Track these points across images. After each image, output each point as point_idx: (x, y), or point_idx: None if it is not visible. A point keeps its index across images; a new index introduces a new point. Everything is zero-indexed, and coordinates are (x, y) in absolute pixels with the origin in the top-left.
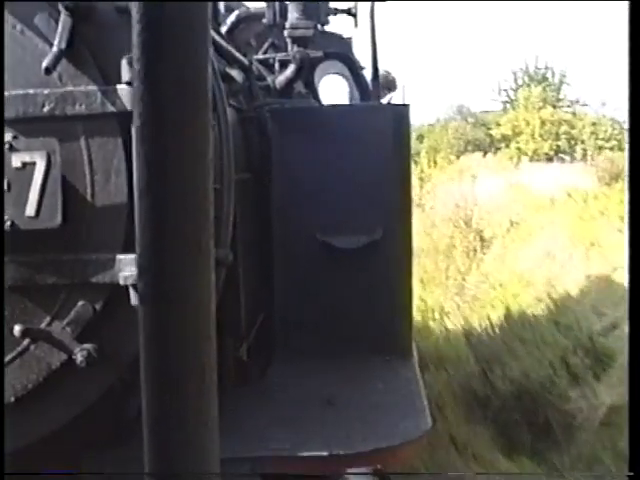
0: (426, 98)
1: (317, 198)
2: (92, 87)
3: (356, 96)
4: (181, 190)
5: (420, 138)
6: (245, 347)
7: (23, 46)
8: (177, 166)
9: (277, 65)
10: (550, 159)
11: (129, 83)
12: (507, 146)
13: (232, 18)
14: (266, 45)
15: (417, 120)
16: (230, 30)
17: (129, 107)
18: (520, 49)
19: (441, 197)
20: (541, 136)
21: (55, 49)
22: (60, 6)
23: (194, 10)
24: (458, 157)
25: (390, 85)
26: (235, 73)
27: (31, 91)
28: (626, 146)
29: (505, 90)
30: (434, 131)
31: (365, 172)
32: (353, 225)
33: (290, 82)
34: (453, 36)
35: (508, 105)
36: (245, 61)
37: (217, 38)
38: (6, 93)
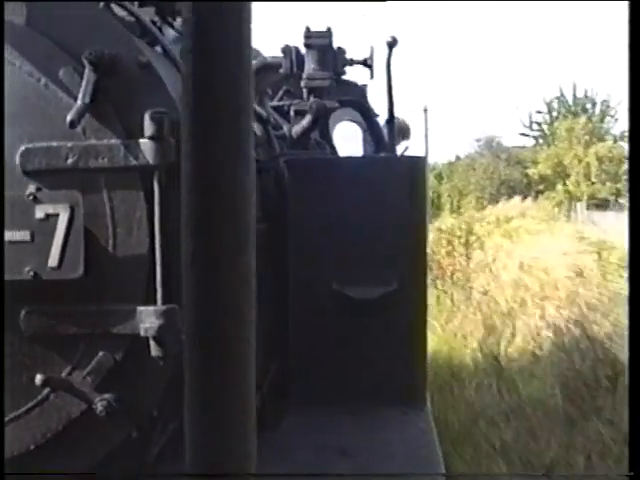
0: (448, 129)
1: (333, 248)
2: (115, 141)
3: (370, 143)
4: (228, 261)
5: (438, 177)
6: (259, 396)
7: (47, 99)
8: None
9: (292, 112)
10: (604, 205)
11: (151, 137)
12: (548, 188)
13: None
14: (281, 92)
15: (436, 156)
16: None
17: (151, 161)
18: (553, 75)
19: (494, 254)
20: (597, 176)
21: (79, 103)
22: (84, 60)
23: (238, 69)
24: (491, 202)
25: (404, 132)
26: (255, 125)
27: (55, 144)
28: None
29: (538, 123)
30: (457, 169)
31: (381, 223)
32: (368, 276)
33: (306, 132)
34: (478, 60)
35: (541, 140)
36: (263, 113)
37: None
38: (30, 145)
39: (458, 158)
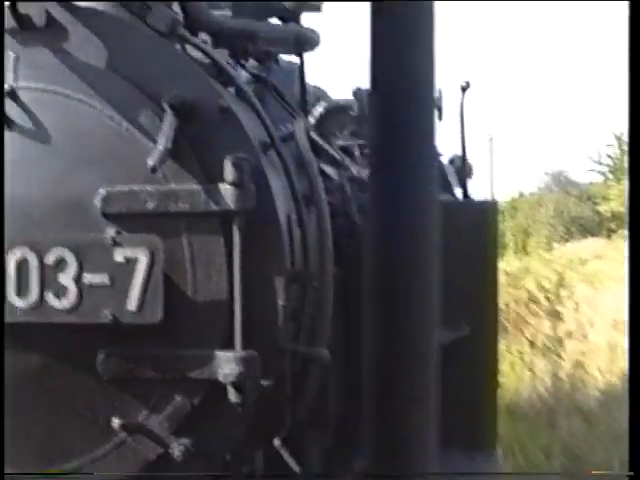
0: (513, 160)
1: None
2: (195, 185)
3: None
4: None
5: (501, 214)
6: (330, 439)
7: (128, 143)
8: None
9: (357, 152)
10: None
11: (232, 183)
12: (621, 226)
13: (320, 109)
14: (347, 132)
15: (500, 189)
16: (318, 121)
17: (232, 206)
18: (623, 107)
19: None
20: None
21: (160, 147)
22: (165, 105)
23: (421, 118)
24: (560, 242)
25: (467, 172)
26: (329, 169)
27: (135, 187)
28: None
29: (609, 156)
30: (522, 206)
31: (452, 268)
32: (440, 321)
33: None
34: (545, 90)
35: (611, 175)
36: (337, 156)
37: (312, 134)
38: (110, 188)
39: (521, 195)
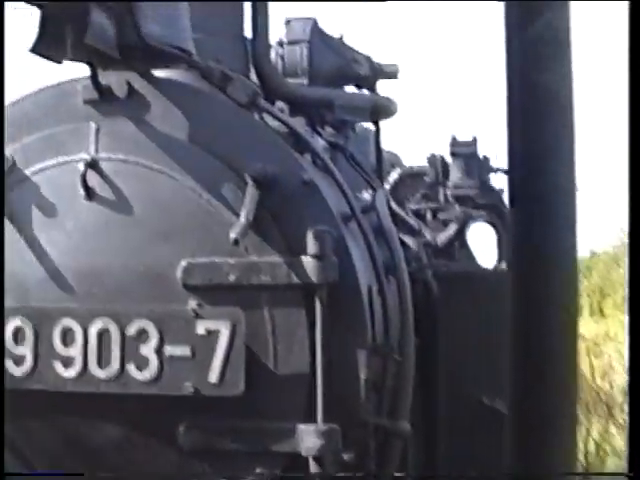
0: (584, 219)
1: (482, 362)
2: (277, 258)
3: (505, 247)
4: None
5: None
6: None
7: (210, 215)
8: None
9: (429, 215)
10: None
11: (314, 255)
12: None
13: (395, 175)
14: (418, 195)
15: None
16: (393, 187)
17: (314, 279)
18: None
19: None
20: None
21: (242, 220)
22: (247, 177)
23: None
24: None
25: None
26: (407, 238)
27: (217, 260)
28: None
29: None
30: (596, 265)
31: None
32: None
33: (452, 241)
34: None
35: None
36: (414, 224)
37: (395, 207)
38: (192, 260)
39: (594, 254)
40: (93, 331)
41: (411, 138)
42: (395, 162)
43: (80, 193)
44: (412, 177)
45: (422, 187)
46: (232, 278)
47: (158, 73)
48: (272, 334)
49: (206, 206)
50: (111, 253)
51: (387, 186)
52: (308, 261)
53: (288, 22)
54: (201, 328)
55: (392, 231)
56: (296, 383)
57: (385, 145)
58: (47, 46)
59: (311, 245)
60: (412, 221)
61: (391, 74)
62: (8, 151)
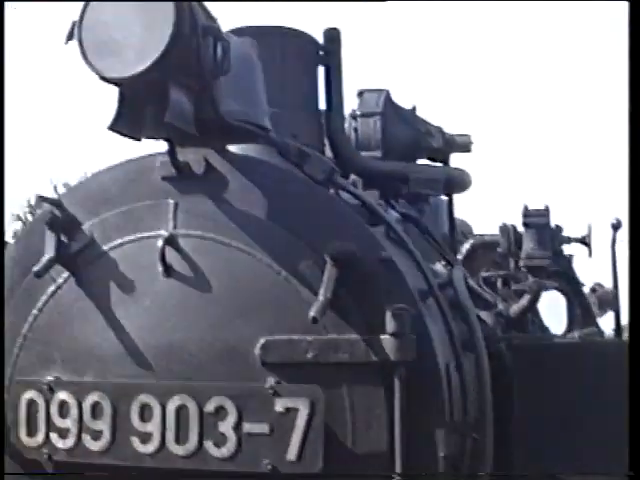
0: None
1: (558, 438)
2: (356, 336)
3: (576, 314)
4: None
5: None
6: None
7: (288, 292)
8: None
9: (499, 283)
10: None
11: (393, 333)
12: None
13: (467, 246)
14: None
15: None
16: (466, 258)
17: (392, 357)
18: None
19: None
20: None
21: (321, 298)
22: (326, 256)
23: None
24: None
25: (611, 303)
26: (485, 315)
27: (295, 337)
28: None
29: None
30: None
31: (604, 410)
32: (596, 467)
33: (525, 312)
34: None
35: None
36: (489, 297)
37: (471, 282)
38: (270, 338)
39: None
40: (171, 407)
41: (482, 206)
42: (466, 230)
43: (158, 269)
44: (484, 247)
45: (494, 256)
46: (310, 356)
47: (234, 149)
48: (350, 411)
49: (284, 283)
50: (189, 330)
51: (459, 256)
52: (386, 339)
53: (361, 94)
54: (279, 406)
55: (470, 307)
56: (374, 461)
57: (456, 213)
58: (126, 124)
59: (390, 323)
60: (487, 295)
61: (464, 146)
62: (86, 226)
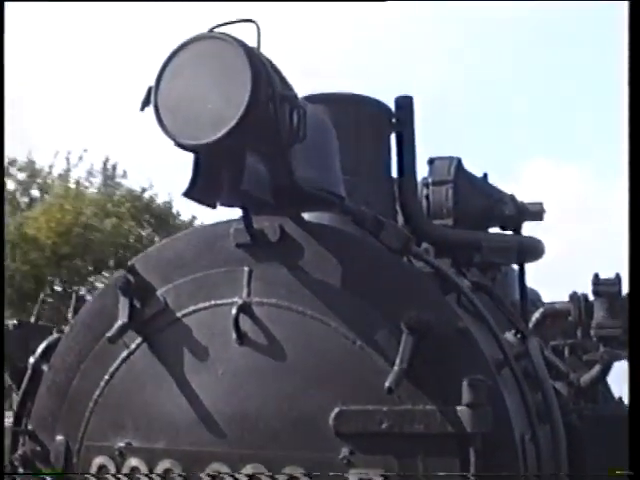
0: None
1: None
2: (431, 407)
3: None
4: None
5: None
6: None
7: (363, 362)
8: None
9: (567, 351)
10: None
11: (469, 405)
12: None
13: (537, 315)
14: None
15: None
16: (536, 325)
17: (468, 428)
18: None
19: None
20: None
21: (397, 368)
22: (402, 325)
23: None
24: None
25: None
26: (558, 385)
27: (370, 407)
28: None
29: None
30: None
31: None
32: None
33: (595, 382)
34: None
35: None
36: (563, 368)
37: (546, 353)
38: (345, 407)
39: None
40: (243, 477)
41: (551, 274)
42: (534, 298)
43: (232, 337)
44: (554, 315)
45: (564, 325)
46: (385, 426)
47: (309, 217)
48: None
49: (359, 352)
50: (263, 398)
51: (530, 324)
52: (463, 410)
53: (432, 161)
54: (353, 476)
55: (545, 378)
56: None
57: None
58: (201, 191)
59: (466, 394)
60: (562, 365)
61: (536, 214)
62: (160, 292)
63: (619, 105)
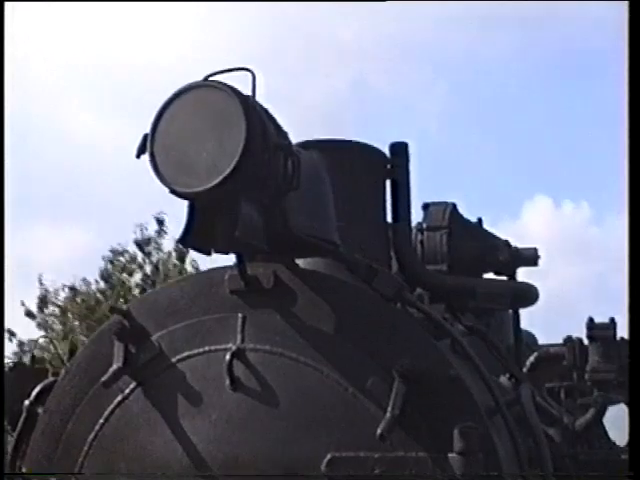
0: None
1: None
2: (423, 454)
3: None
4: None
5: None
6: None
7: (355, 409)
8: None
9: (562, 394)
10: None
11: (460, 452)
12: None
13: (532, 359)
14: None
15: None
16: (531, 370)
17: (459, 476)
18: None
19: None
20: None
21: (389, 415)
22: (394, 373)
23: None
24: None
25: None
26: (551, 431)
27: (362, 454)
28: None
29: None
30: None
31: None
32: None
33: (590, 426)
34: None
35: None
36: (555, 413)
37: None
38: (337, 454)
39: None
40: None
41: (547, 316)
42: (529, 341)
43: (226, 383)
44: (549, 359)
45: (559, 369)
46: (377, 472)
47: (303, 263)
48: None
49: (351, 399)
50: (256, 444)
51: (524, 369)
52: (454, 457)
53: (426, 207)
54: None
55: (537, 425)
56: None
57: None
58: (196, 239)
59: (457, 441)
60: (553, 410)
61: (530, 260)
62: (155, 337)
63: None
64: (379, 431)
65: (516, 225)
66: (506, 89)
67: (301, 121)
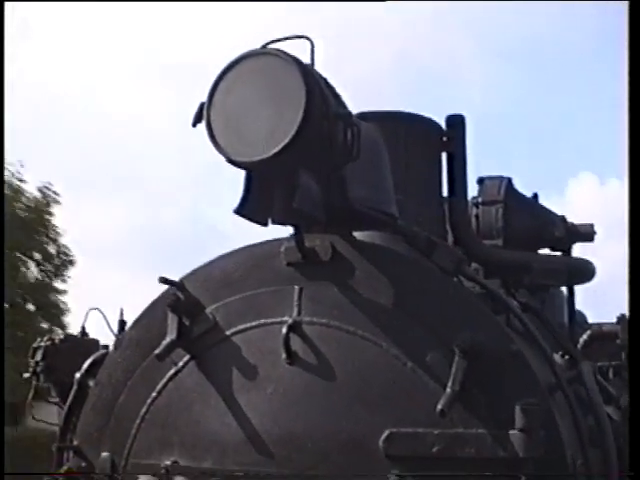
0: None
1: None
2: (483, 431)
3: None
4: None
5: None
6: None
7: (414, 384)
8: None
9: (611, 373)
10: None
11: (522, 429)
12: None
13: (585, 337)
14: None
15: None
16: (584, 348)
17: (520, 453)
18: None
19: None
20: None
21: (449, 390)
22: (455, 348)
23: None
24: None
25: None
26: (611, 410)
27: (421, 430)
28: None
29: None
30: None
31: None
32: None
33: None
34: None
35: None
36: (612, 392)
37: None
38: (395, 430)
39: None
40: None
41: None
42: (580, 320)
43: (282, 356)
44: (602, 337)
45: (612, 347)
46: (436, 450)
47: (361, 236)
48: None
49: (410, 374)
50: (312, 419)
51: (578, 347)
52: (515, 435)
53: (482, 181)
54: None
55: (600, 404)
56: None
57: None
58: (252, 209)
59: (519, 418)
60: (611, 389)
61: (586, 235)
62: (209, 310)
63: None
64: (439, 407)
65: (561, 202)
66: (552, 62)
67: (344, 94)
